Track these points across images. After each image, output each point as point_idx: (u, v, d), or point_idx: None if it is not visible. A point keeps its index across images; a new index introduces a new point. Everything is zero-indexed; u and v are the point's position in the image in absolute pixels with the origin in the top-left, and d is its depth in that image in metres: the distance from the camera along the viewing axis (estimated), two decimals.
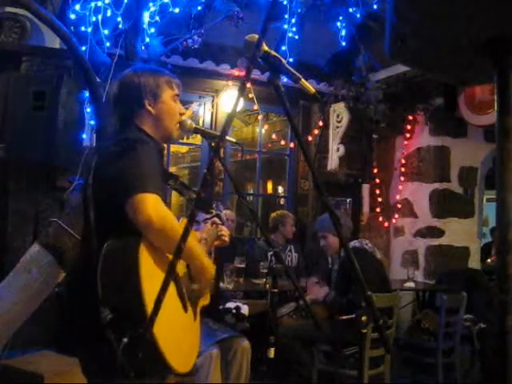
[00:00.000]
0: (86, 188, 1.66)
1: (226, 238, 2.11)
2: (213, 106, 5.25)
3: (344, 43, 4.71)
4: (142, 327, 1.30)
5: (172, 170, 7.41)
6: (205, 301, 1.90)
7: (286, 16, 4.19)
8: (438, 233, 5.43)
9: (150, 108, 1.80)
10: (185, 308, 1.68)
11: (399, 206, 5.78)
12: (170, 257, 1.63)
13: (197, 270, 1.68)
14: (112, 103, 1.88)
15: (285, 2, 4.13)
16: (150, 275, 1.45)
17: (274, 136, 6.44)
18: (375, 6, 4.35)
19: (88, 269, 1.54)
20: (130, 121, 1.79)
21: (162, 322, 1.41)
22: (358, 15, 4.47)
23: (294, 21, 4.26)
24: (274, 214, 4.84)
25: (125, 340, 1.16)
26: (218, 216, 2.07)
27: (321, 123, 5.49)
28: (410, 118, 5.60)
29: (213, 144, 2.01)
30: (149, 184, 1.51)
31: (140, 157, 1.58)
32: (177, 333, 1.60)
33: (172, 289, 1.61)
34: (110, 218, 1.57)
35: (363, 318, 1.22)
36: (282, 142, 6.00)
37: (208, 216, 2.07)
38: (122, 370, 1.25)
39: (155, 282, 1.44)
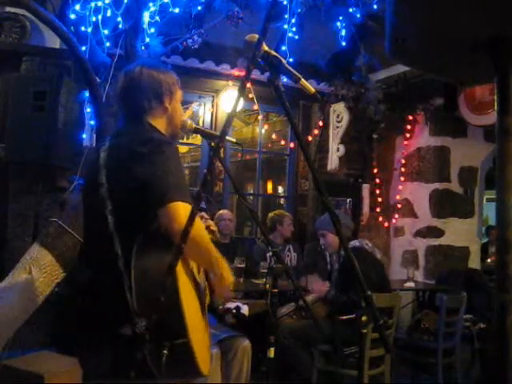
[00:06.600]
0: (97, 187, 1.58)
1: (214, 228, 2.04)
2: (213, 106, 5.24)
3: (344, 43, 4.70)
4: (181, 338, 1.33)
5: None
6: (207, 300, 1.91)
7: (286, 16, 4.18)
8: (437, 233, 5.43)
9: (167, 105, 1.75)
10: (202, 310, 1.69)
11: (399, 205, 5.78)
12: (195, 268, 1.64)
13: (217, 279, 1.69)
14: (120, 96, 1.77)
15: (285, 2, 4.12)
16: (185, 287, 1.45)
17: (274, 136, 6.44)
18: (375, 6, 4.35)
19: (107, 272, 1.52)
20: (141, 117, 1.71)
21: (193, 327, 1.43)
22: (358, 15, 4.47)
23: (293, 21, 4.25)
24: (271, 214, 4.84)
25: (165, 352, 1.17)
26: (202, 210, 2.01)
27: (321, 123, 5.49)
28: (410, 118, 5.59)
29: (213, 144, 2.00)
30: (183, 193, 1.48)
31: (171, 162, 1.53)
32: (201, 336, 1.61)
33: (194, 293, 1.61)
34: (137, 221, 1.52)
35: (363, 318, 1.22)
36: (282, 142, 6.00)
37: None
38: (150, 376, 1.25)
39: (188, 294, 1.47)
